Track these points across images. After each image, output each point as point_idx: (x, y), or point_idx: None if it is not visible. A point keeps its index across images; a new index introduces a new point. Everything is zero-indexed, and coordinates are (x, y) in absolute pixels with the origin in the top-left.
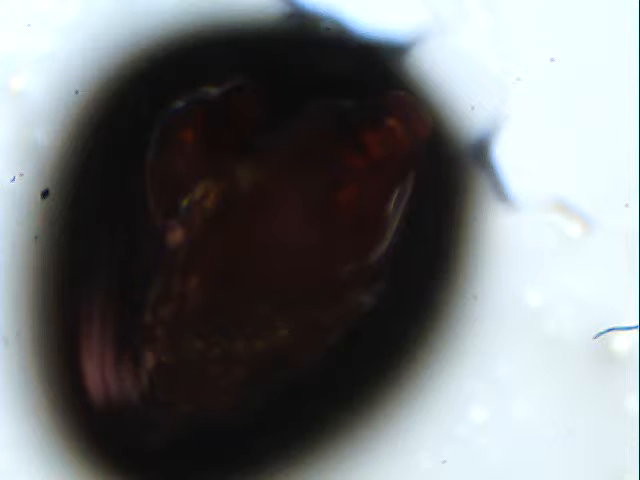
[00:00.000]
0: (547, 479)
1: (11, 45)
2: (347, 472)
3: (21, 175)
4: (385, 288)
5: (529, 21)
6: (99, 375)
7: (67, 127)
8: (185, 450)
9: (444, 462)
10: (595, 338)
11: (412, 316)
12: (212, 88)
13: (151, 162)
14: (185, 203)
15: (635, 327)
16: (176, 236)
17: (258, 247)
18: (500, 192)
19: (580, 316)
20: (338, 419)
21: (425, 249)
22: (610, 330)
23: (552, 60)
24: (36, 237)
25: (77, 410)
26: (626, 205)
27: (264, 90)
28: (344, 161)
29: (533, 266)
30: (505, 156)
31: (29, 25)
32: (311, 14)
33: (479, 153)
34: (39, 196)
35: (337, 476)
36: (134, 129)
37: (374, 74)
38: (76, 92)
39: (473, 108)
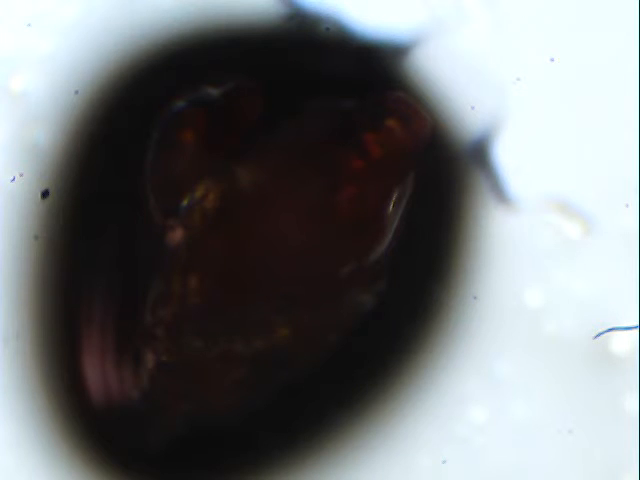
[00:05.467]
0: (547, 479)
1: (11, 45)
2: (347, 472)
3: (21, 175)
4: (385, 288)
5: (529, 21)
6: (99, 375)
7: (67, 127)
8: (185, 450)
9: (444, 462)
10: (595, 338)
11: (412, 316)
12: (212, 88)
13: (151, 162)
14: (185, 203)
15: (635, 327)
16: (176, 236)
17: (258, 247)
18: (500, 192)
19: (580, 316)
20: (338, 419)
21: (425, 249)
22: (610, 330)
23: (552, 60)
24: (36, 237)
25: (77, 410)
26: (626, 205)
27: (264, 90)
28: (344, 161)
29: (533, 266)
30: (505, 156)
31: (29, 25)
32: (311, 14)
33: (479, 153)
34: (39, 196)
35: (337, 476)
36: (134, 129)
37: (374, 74)
38: (76, 92)
39: (473, 108)
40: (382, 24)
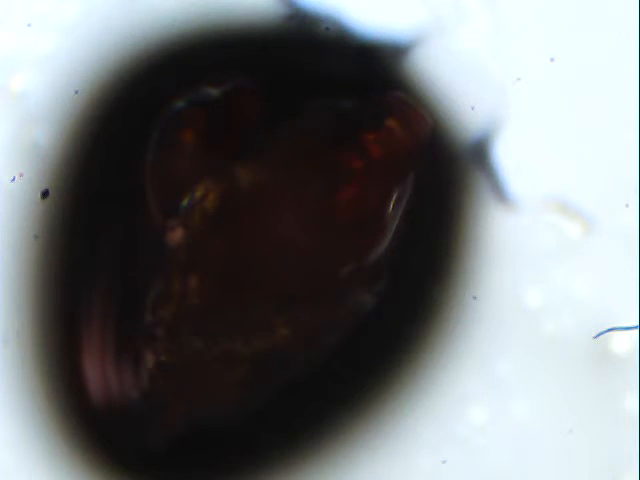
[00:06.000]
0: (547, 479)
1: (11, 45)
2: (347, 472)
3: (21, 175)
4: (385, 288)
5: (529, 21)
6: (99, 375)
7: (67, 127)
8: (185, 450)
9: (444, 462)
10: (595, 338)
11: (412, 316)
12: (212, 88)
13: (151, 162)
14: (185, 203)
15: (635, 327)
16: (176, 236)
17: (258, 247)
18: (500, 192)
19: (580, 316)
20: (338, 419)
21: (425, 249)
22: (610, 330)
23: (552, 60)
24: (36, 237)
25: (77, 410)
26: (626, 205)
27: (264, 90)
28: (344, 162)
29: (533, 266)
30: (505, 156)
31: (29, 25)
32: (311, 14)
33: (479, 153)
34: (39, 196)
35: (337, 476)
36: (134, 129)
37: (374, 74)
38: (76, 92)
39: (473, 108)
40: (382, 24)
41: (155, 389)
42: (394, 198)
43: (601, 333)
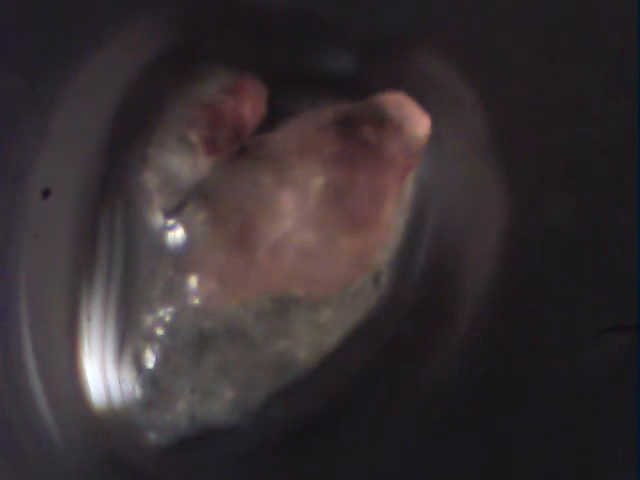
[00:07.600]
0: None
1: None
2: (347, 471)
3: (21, 175)
4: (387, 288)
5: (528, 19)
6: (99, 375)
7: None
8: (186, 450)
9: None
10: (595, 337)
11: (412, 316)
12: (214, 87)
13: (152, 161)
14: (185, 203)
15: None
16: (176, 236)
17: (258, 247)
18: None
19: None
20: (338, 418)
21: (425, 249)
22: (610, 330)
23: (551, 60)
24: (36, 236)
25: (77, 410)
26: (624, 205)
27: (265, 90)
28: (344, 161)
29: None
30: (505, 155)
31: None
32: (310, 15)
33: (477, 152)
34: (39, 196)
35: (336, 475)
36: (135, 128)
37: (374, 74)
38: (76, 91)
39: (472, 107)
40: (382, 23)
41: (155, 389)
42: (394, 197)
43: (601, 332)
